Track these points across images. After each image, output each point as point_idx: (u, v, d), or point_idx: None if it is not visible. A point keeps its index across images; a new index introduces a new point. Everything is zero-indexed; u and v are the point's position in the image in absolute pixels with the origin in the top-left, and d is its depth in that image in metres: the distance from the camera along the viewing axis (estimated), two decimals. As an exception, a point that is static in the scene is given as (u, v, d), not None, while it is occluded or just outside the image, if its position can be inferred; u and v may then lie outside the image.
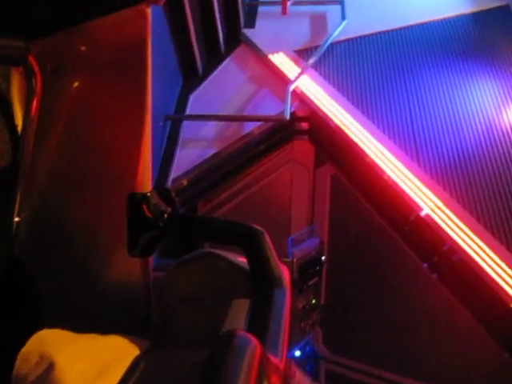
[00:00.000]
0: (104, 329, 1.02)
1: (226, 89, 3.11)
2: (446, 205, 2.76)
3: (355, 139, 2.94)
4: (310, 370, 3.50)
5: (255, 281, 0.81)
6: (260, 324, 0.69)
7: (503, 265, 2.67)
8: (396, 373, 3.02)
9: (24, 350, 0.91)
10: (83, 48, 1.06)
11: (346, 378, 3.26)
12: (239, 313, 0.78)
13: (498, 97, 3.27)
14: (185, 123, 2.96)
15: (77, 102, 1.15)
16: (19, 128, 1.27)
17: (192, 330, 0.97)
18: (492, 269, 2.68)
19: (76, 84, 1.14)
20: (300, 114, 3.07)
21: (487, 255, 2.72)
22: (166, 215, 1.03)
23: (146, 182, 1.14)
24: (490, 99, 3.25)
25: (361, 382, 3.21)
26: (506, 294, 2.57)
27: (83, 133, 1.17)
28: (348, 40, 3.43)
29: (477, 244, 2.75)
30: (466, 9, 3.79)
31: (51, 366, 0.86)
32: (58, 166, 1.16)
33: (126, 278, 1.08)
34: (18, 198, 1.17)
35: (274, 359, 0.59)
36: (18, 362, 0.90)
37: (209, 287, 1.04)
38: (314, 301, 2.96)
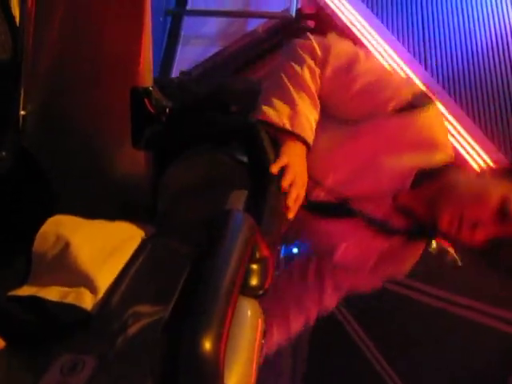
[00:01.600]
0: (112, 217, 1.10)
1: (229, -18, 2.95)
2: (450, 112, 2.75)
3: (363, 39, 2.85)
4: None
5: (253, 172, 0.86)
6: (256, 207, 0.75)
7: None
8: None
9: (41, 231, 0.99)
10: None
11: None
12: (237, 200, 0.84)
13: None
14: (186, 19, 2.85)
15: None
16: (17, 19, 1.24)
17: (193, 217, 1.05)
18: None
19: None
20: (306, 11, 2.94)
21: (485, 162, 2.78)
22: (167, 110, 1.05)
23: (147, 76, 1.15)
24: (508, 2, 3.08)
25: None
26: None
27: (82, 24, 1.16)
28: None
29: (476, 151, 2.80)
30: None
31: (67, 245, 0.95)
32: (59, 58, 1.16)
33: (131, 169, 1.14)
34: (23, 91, 1.19)
35: (266, 238, 0.66)
36: (36, 242, 0.99)
37: (210, 180, 1.10)
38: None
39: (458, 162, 1.12)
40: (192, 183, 1.11)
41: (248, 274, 0.61)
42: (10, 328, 0.83)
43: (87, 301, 0.89)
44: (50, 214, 1.06)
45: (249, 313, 0.63)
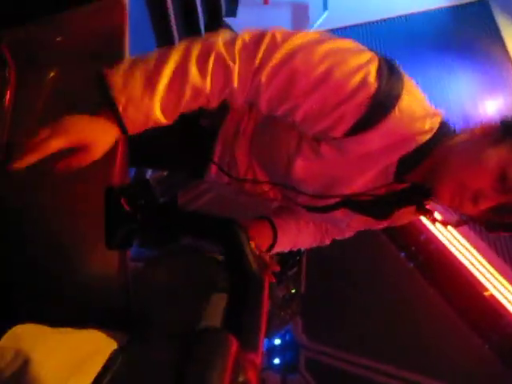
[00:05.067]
0: (81, 319, 1.02)
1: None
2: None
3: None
4: (290, 358, 3.57)
5: (232, 276, 0.82)
6: (236, 320, 0.70)
7: (476, 254, 2.76)
8: (376, 360, 3.09)
9: (-1, 346, 0.90)
10: (59, 39, 1.04)
11: (325, 366, 3.34)
12: (216, 307, 0.78)
13: (476, 91, 3.33)
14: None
15: (53, 92, 1.13)
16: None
17: (170, 322, 0.98)
18: (466, 258, 2.77)
19: (52, 74, 1.12)
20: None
21: (461, 245, 2.81)
22: (143, 208, 1.02)
23: (123, 173, 1.13)
24: (467, 93, 3.31)
25: (340, 369, 3.28)
26: (480, 283, 2.67)
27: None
28: (329, 30, 3.43)
29: (452, 234, 2.84)
30: (446, 2, 3.83)
31: (27, 362, 0.86)
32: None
33: (104, 271, 1.07)
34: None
35: (249, 354, 0.60)
36: (-7, 359, 0.90)
37: (188, 281, 1.05)
38: (293, 290, 2.99)
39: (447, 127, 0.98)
40: (169, 285, 1.05)
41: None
42: None
43: (47, 429, 0.78)
44: (14, 319, 0.98)
45: None
